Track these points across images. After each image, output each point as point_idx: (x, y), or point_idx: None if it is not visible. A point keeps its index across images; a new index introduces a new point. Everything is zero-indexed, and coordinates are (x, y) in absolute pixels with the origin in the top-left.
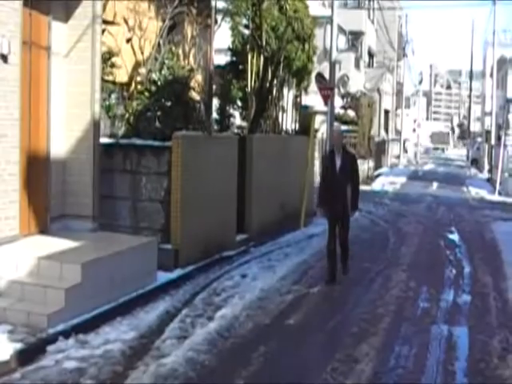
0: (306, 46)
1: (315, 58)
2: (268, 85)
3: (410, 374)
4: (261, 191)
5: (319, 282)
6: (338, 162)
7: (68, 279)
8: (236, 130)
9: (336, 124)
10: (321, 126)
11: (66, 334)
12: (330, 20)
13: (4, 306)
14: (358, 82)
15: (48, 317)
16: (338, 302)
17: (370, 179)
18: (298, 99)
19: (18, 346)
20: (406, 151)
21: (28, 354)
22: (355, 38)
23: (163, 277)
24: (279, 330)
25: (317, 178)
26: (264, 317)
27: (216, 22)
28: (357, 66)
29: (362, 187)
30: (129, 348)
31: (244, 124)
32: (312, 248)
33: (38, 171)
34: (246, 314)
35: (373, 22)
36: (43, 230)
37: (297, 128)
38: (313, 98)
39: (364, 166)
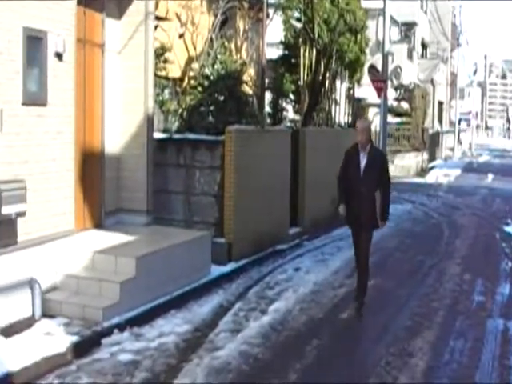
0: (359, 38)
1: (368, 50)
2: (320, 78)
3: (464, 368)
4: (313, 185)
5: (372, 276)
6: (364, 161)
7: (123, 273)
8: (289, 124)
9: (364, 117)
10: (374, 118)
11: (120, 327)
12: (382, 12)
13: (60, 300)
14: (411, 74)
15: (103, 310)
16: (391, 296)
17: (424, 171)
18: (351, 92)
19: (74, 338)
20: (460, 143)
21: (83, 347)
22: (408, 29)
23: (217, 270)
24: (332, 323)
25: None
26: (317, 310)
27: (268, 15)
28: (410, 57)
29: (416, 180)
30: (183, 341)
31: (297, 117)
32: None
33: (92, 167)
34: (299, 308)
35: (426, 12)
36: (98, 225)
37: (350, 121)
38: (366, 90)
39: (418, 159)
